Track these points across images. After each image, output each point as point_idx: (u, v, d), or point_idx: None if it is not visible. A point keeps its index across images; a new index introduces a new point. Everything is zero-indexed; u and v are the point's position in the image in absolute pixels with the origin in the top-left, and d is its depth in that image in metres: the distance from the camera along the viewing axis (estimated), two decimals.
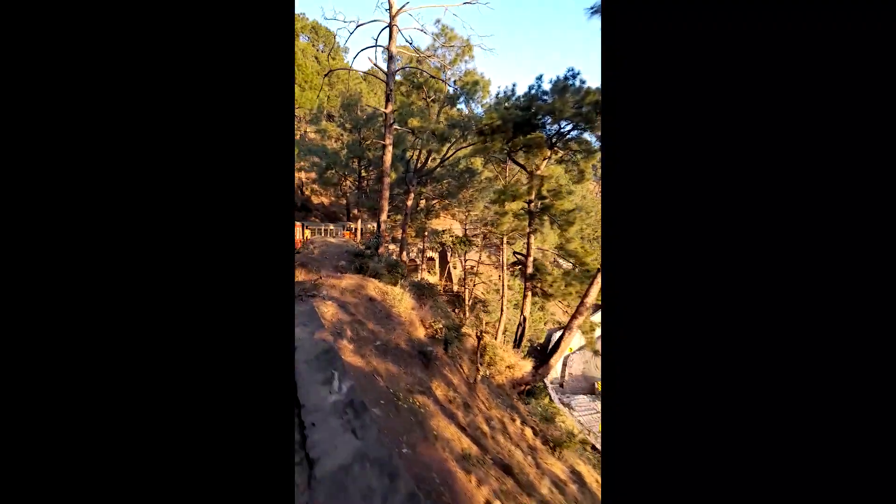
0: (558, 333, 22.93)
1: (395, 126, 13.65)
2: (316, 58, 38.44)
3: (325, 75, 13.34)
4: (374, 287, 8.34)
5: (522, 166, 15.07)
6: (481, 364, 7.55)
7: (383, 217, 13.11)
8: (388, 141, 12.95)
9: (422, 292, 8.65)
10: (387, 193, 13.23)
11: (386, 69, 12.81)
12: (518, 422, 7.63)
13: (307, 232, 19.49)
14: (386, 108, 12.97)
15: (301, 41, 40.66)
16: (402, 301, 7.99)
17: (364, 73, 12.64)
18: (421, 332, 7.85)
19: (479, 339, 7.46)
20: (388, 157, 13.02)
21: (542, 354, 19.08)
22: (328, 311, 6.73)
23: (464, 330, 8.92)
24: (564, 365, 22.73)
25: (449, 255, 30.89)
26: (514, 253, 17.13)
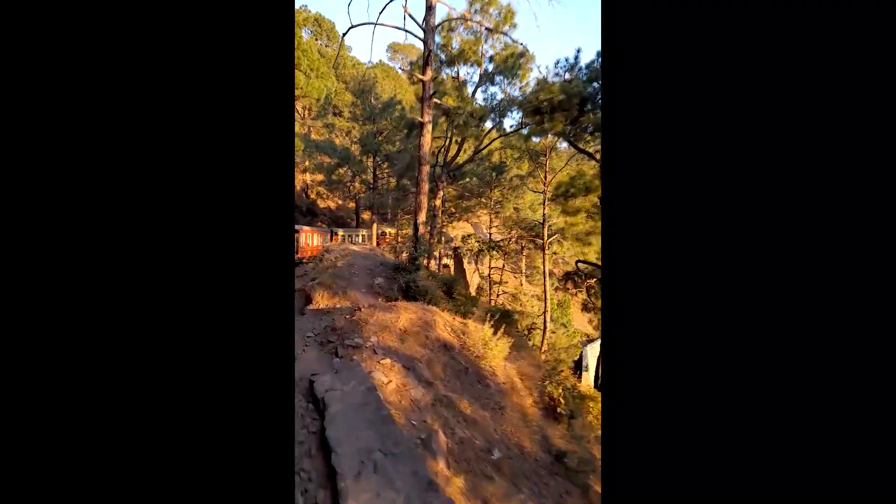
0: (591, 347, 19.60)
1: (436, 99, 10.61)
2: (319, 52, 35.69)
3: (344, 34, 10.35)
4: (443, 323, 5.22)
5: (589, 154, 12.02)
6: None
7: (421, 218, 10.00)
8: (427, 118, 9.90)
9: (503, 327, 5.53)
10: (425, 187, 10.14)
11: (423, 24, 9.82)
12: None
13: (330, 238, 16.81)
14: (423, 73, 9.94)
15: (303, 35, 37.94)
16: (493, 349, 4.88)
17: (402, 28, 9.58)
18: (527, 401, 4.73)
19: None
20: (426, 140, 9.96)
21: (577, 372, 15.92)
22: (390, 381, 3.62)
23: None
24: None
25: (465, 261, 28.03)
26: (578, 262, 14.00)
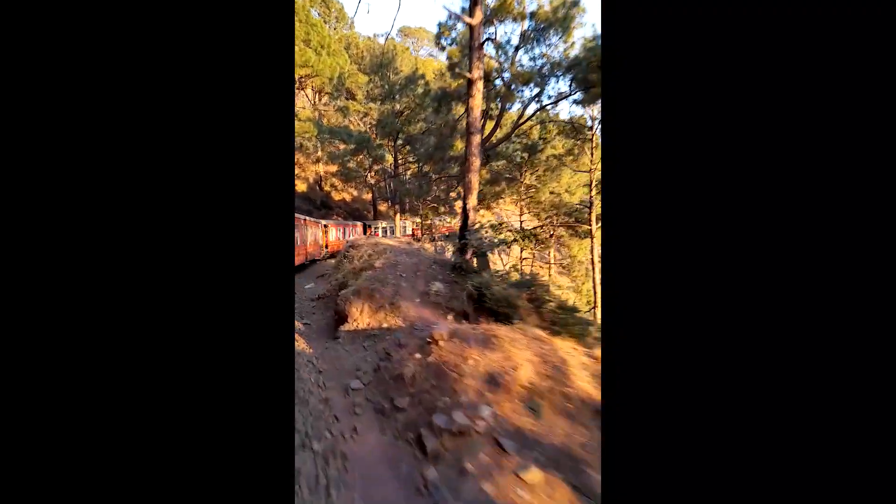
0: None
1: (487, 52, 8.42)
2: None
3: None
4: (573, 362, 3.18)
5: None
6: None
7: (472, 201, 7.93)
8: (477, 73, 7.74)
9: None
10: (476, 162, 8.03)
11: None
12: None
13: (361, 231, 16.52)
14: (471, 15, 7.78)
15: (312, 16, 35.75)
16: None
17: None
18: None
19: None
20: (476, 101, 7.83)
21: None
22: None
23: None
24: None
25: (490, 253, 25.92)
26: None
